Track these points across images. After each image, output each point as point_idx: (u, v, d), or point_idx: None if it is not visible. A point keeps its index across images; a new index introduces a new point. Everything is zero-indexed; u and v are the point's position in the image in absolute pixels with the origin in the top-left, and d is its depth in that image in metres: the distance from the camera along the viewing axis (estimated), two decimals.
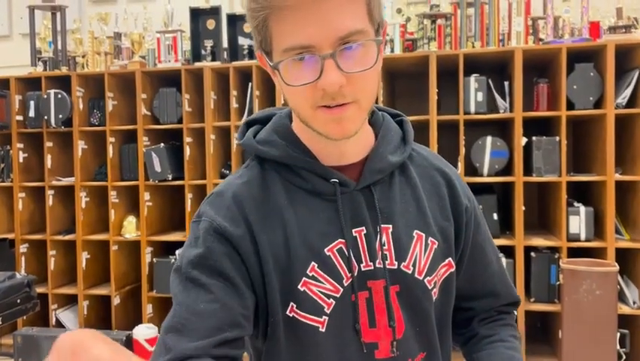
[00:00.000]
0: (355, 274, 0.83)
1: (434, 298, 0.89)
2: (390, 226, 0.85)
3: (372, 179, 0.86)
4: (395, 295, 0.85)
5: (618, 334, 2.99)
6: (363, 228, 0.84)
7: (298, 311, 0.82)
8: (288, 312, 0.82)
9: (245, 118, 3.61)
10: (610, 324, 2.93)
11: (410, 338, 0.88)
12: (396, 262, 0.85)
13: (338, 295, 0.83)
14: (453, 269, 0.91)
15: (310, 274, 0.81)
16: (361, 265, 0.84)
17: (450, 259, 0.90)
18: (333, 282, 0.82)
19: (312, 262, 0.81)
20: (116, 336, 3.44)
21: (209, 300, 0.77)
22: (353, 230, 0.84)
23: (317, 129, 0.80)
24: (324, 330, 0.82)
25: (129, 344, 3.48)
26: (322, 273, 0.82)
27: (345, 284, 0.83)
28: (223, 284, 0.78)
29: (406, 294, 0.86)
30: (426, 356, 0.90)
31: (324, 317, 0.82)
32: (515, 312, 1.05)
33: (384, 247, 0.85)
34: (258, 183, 0.85)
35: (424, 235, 0.87)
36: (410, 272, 0.86)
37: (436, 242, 0.88)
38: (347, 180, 0.85)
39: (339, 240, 0.83)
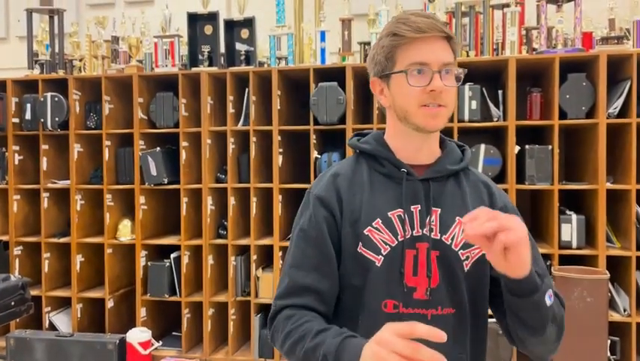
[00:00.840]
0: (407, 236, 1.16)
1: (466, 268, 1.17)
2: (439, 209, 1.18)
3: (431, 175, 1.20)
4: (435, 258, 1.16)
5: (609, 341, 3.02)
6: (419, 205, 1.17)
7: (364, 249, 1.16)
8: (358, 249, 1.16)
9: (240, 123, 3.64)
10: (601, 331, 2.96)
11: (442, 291, 1.16)
12: (439, 234, 1.17)
13: (393, 245, 1.16)
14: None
15: (375, 226, 1.16)
16: (413, 231, 1.16)
17: None
18: (390, 235, 1.16)
19: (378, 218, 1.16)
20: (109, 339, 3.44)
21: (314, 246, 1.19)
22: (411, 206, 1.18)
23: (416, 123, 1.16)
24: (379, 265, 1.15)
25: (122, 347, 3.49)
26: (383, 227, 1.16)
27: (399, 239, 1.16)
28: (322, 236, 1.18)
29: (444, 259, 1.16)
30: (455, 313, 1.16)
31: (380, 256, 1.16)
32: (564, 302, 1.20)
33: (432, 223, 1.17)
34: (351, 166, 1.25)
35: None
36: (448, 243, 1.17)
37: None
38: (413, 171, 1.20)
39: (400, 209, 1.17)
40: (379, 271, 1.15)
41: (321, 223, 1.19)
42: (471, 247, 1.17)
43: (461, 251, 1.17)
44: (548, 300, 1.09)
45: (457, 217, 1.17)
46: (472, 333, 1.19)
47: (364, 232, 1.16)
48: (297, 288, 1.17)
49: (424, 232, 1.16)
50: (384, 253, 1.15)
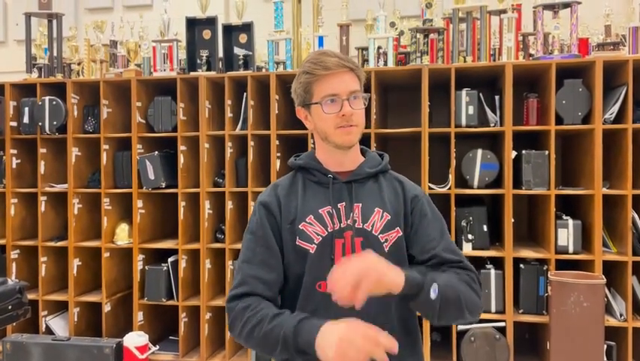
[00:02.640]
0: (336, 227, 1.41)
1: (386, 249, 1.41)
2: (360, 204, 1.43)
3: (353, 178, 1.46)
4: (359, 243, 1.40)
5: (605, 346, 3.03)
6: (344, 203, 1.43)
7: (300, 241, 1.40)
8: (296, 242, 1.40)
9: (238, 127, 3.65)
10: (597, 336, 2.97)
11: None
12: (362, 224, 1.41)
13: (324, 235, 1.40)
14: (401, 234, 1.43)
15: (308, 221, 1.41)
16: (341, 224, 1.41)
17: (398, 228, 1.43)
18: (321, 227, 1.41)
19: (310, 215, 1.42)
20: (106, 344, 3.43)
21: (261, 244, 1.42)
22: (338, 204, 1.43)
23: (335, 141, 1.42)
24: (313, 252, 1.39)
25: (119, 351, 3.48)
26: (315, 221, 1.41)
27: (329, 230, 1.40)
28: (267, 235, 1.42)
29: (366, 243, 1.40)
30: None
31: (313, 244, 1.40)
32: (473, 275, 1.41)
33: (355, 215, 1.42)
34: (290, 179, 1.51)
35: (381, 210, 1.43)
36: (369, 230, 1.41)
37: (389, 216, 1.43)
38: (338, 177, 1.46)
39: (328, 207, 1.42)
40: (314, 257, 1.38)
41: (265, 224, 1.43)
42: (389, 232, 1.42)
43: (380, 235, 1.41)
44: (433, 294, 1.27)
45: (376, 208, 1.43)
46: (398, 308, 1.39)
47: (299, 227, 1.40)
48: (248, 279, 1.38)
49: (349, 223, 1.41)
50: (316, 242, 1.39)
